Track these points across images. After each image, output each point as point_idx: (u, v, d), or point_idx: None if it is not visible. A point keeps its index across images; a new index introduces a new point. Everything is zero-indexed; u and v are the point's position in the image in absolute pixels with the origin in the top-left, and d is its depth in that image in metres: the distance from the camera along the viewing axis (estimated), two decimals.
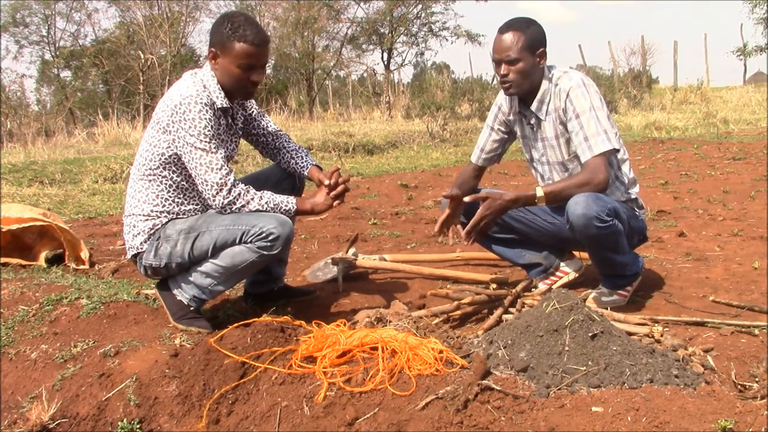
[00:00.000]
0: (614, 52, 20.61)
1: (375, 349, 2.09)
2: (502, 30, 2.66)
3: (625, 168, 2.83)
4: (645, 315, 2.61)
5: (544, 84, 2.70)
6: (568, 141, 2.70)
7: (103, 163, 7.55)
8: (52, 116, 14.69)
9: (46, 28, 16.57)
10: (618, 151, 2.67)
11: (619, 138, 2.80)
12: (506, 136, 2.97)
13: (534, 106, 2.73)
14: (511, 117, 2.90)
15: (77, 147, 9.93)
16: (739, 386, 1.98)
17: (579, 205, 2.50)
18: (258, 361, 2.23)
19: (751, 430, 1.63)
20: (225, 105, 2.51)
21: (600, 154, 2.59)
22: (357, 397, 1.93)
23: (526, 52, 2.62)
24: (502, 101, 2.91)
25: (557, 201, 2.62)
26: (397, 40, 17.67)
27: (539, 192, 2.57)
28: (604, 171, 2.58)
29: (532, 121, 2.79)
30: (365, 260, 3.40)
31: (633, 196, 2.85)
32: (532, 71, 2.66)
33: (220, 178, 2.40)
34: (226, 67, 2.45)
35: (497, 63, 2.69)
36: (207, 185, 2.41)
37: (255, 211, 2.45)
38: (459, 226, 2.79)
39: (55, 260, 3.61)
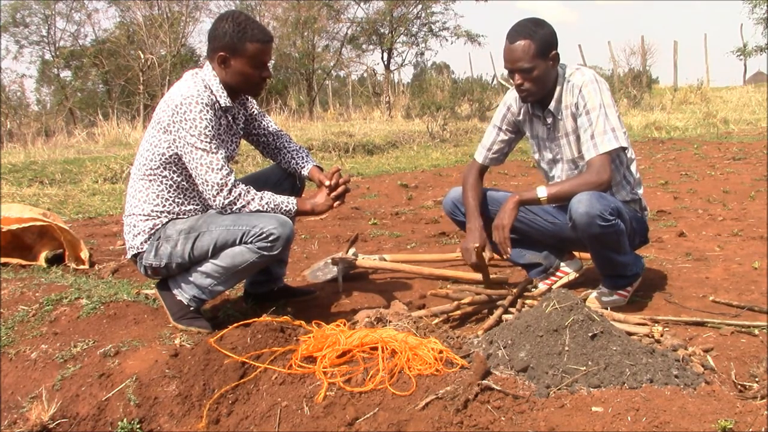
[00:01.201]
0: (614, 52, 20.63)
1: (375, 349, 2.09)
2: (512, 38, 2.60)
3: (632, 168, 2.83)
4: (645, 315, 2.61)
5: (559, 83, 2.69)
6: (579, 137, 2.69)
7: (103, 163, 7.55)
8: (52, 116, 14.70)
9: (46, 28, 16.59)
10: (626, 149, 2.66)
11: (627, 137, 2.80)
12: (514, 135, 2.95)
13: (552, 106, 2.71)
14: (520, 117, 2.88)
15: (77, 147, 9.93)
16: (739, 386, 1.98)
17: (582, 204, 2.50)
18: (258, 361, 2.23)
19: (751, 430, 1.63)
20: (228, 104, 2.51)
21: (605, 153, 2.58)
22: (357, 397, 1.93)
23: (539, 59, 2.58)
24: (511, 101, 2.88)
25: (560, 201, 2.63)
26: (397, 40, 17.67)
27: (542, 193, 2.57)
28: (607, 170, 2.57)
29: (549, 120, 2.77)
30: (365, 260, 3.40)
31: (637, 197, 2.85)
32: (546, 76, 2.63)
33: (221, 179, 2.40)
34: (240, 69, 2.46)
35: (510, 72, 2.65)
36: (207, 185, 2.41)
37: (255, 211, 2.45)
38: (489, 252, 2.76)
39: (55, 260, 3.62)
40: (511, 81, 2.69)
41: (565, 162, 2.81)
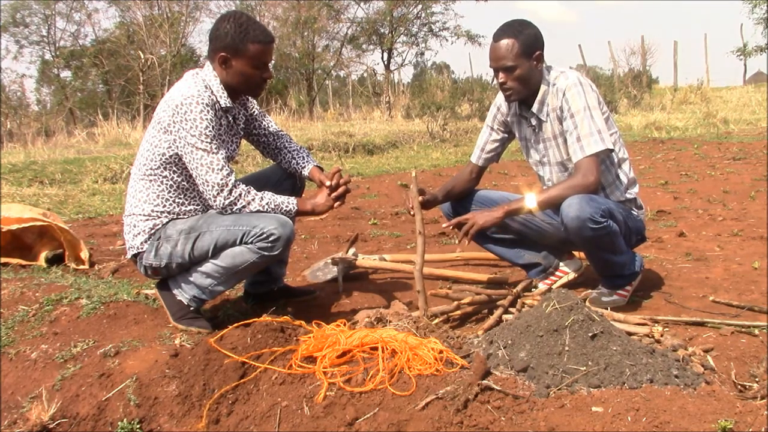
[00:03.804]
0: (614, 52, 20.69)
1: (375, 349, 2.09)
2: (496, 37, 2.64)
3: (625, 167, 2.83)
4: (645, 315, 2.61)
5: (543, 85, 2.70)
6: (566, 140, 2.70)
7: (103, 163, 7.55)
8: (52, 116, 14.72)
9: (46, 28, 16.63)
10: (612, 151, 2.67)
11: (619, 137, 2.80)
12: (506, 135, 2.97)
13: (535, 108, 2.73)
14: (509, 118, 2.91)
15: (77, 147, 9.93)
16: (739, 386, 1.98)
17: (572, 208, 2.51)
18: (258, 361, 2.23)
19: (751, 430, 1.63)
20: (228, 105, 2.51)
21: (592, 155, 2.59)
22: (357, 397, 1.93)
23: (522, 58, 2.61)
24: (501, 102, 2.91)
25: (551, 207, 2.64)
26: (397, 40, 17.69)
27: (531, 204, 2.59)
28: (594, 172, 2.59)
29: (534, 122, 2.79)
30: (365, 260, 3.40)
31: (631, 196, 2.85)
32: (530, 76, 2.65)
33: (221, 179, 2.40)
34: (241, 69, 2.46)
35: (495, 71, 2.69)
36: (208, 186, 2.41)
37: (256, 211, 2.45)
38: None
39: (55, 260, 3.61)
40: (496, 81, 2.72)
41: (554, 165, 2.83)
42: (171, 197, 2.52)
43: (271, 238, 2.37)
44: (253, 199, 2.45)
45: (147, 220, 2.51)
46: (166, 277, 2.57)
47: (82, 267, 3.57)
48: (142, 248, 2.52)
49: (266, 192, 2.50)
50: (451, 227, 2.73)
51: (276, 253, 2.41)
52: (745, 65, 25.50)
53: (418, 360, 2.02)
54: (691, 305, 2.78)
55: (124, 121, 12.50)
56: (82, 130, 11.73)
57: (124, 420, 2.09)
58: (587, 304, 2.28)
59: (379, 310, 2.59)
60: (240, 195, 2.43)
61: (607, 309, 2.62)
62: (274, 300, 2.91)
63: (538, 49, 2.64)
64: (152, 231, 2.51)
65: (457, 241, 2.72)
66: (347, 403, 1.91)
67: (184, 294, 2.52)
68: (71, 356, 2.31)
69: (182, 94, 2.40)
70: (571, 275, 3.01)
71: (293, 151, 2.78)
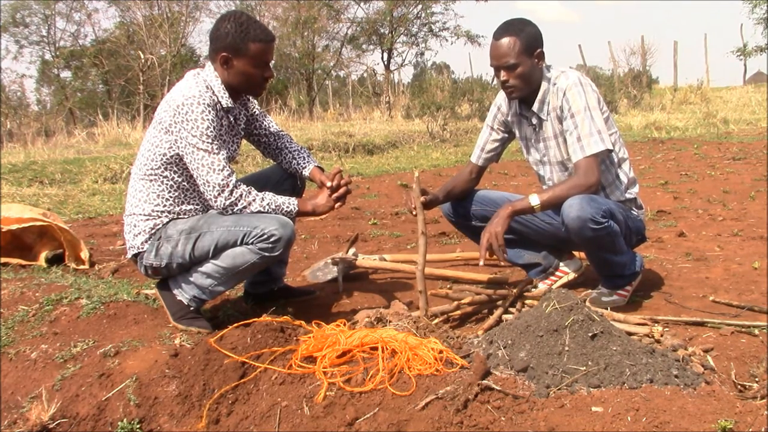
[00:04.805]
0: (614, 52, 20.65)
1: (375, 349, 2.10)
2: (498, 35, 2.64)
3: (625, 167, 2.84)
4: (645, 315, 2.61)
5: (544, 84, 2.70)
6: (566, 140, 2.71)
7: (103, 163, 7.55)
8: (52, 116, 14.72)
9: (46, 28, 16.64)
10: (611, 151, 2.67)
11: (619, 137, 2.80)
12: (506, 135, 2.97)
13: (536, 107, 2.73)
14: (510, 118, 2.91)
15: (77, 147, 9.93)
16: (739, 386, 1.98)
17: (573, 208, 2.51)
18: (258, 361, 2.23)
19: (751, 430, 1.63)
20: (230, 105, 2.51)
21: (592, 155, 2.59)
22: (357, 397, 1.93)
23: (524, 56, 2.62)
24: (501, 102, 2.91)
25: (553, 207, 2.64)
26: (397, 40, 17.71)
27: (534, 202, 2.59)
28: (595, 173, 2.59)
29: (534, 121, 2.79)
30: (365, 260, 3.40)
31: (632, 196, 2.85)
32: (531, 74, 2.66)
33: (222, 180, 2.40)
34: (243, 69, 2.46)
35: (496, 69, 2.68)
36: (209, 186, 2.41)
37: (257, 212, 2.45)
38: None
39: (55, 260, 3.61)
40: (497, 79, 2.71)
41: (555, 164, 2.83)
42: (171, 197, 2.52)
43: (272, 239, 2.37)
44: (253, 200, 2.45)
45: (147, 219, 2.51)
46: (167, 277, 2.57)
47: (82, 267, 3.57)
48: (142, 248, 2.52)
49: (267, 192, 2.50)
50: (485, 258, 2.62)
51: (277, 253, 2.41)
52: (745, 65, 25.55)
53: (418, 360, 2.02)
54: (691, 305, 2.78)
55: (124, 121, 12.51)
56: (82, 130, 11.73)
57: (124, 420, 2.09)
58: (587, 304, 2.28)
59: (379, 310, 2.59)
60: (241, 195, 2.43)
61: (607, 309, 2.62)
62: (274, 300, 2.91)
63: (539, 47, 2.65)
64: (153, 231, 2.51)
65: (501, 262, 2.67)
66: (347, 403, 1.92)
67: (184, 294, 2.52)
68: (71, 356, 2.31)
69: (183, 95, 2.40)
70: (571, 275, 3.01)
71: (294, 151, 2.78)
